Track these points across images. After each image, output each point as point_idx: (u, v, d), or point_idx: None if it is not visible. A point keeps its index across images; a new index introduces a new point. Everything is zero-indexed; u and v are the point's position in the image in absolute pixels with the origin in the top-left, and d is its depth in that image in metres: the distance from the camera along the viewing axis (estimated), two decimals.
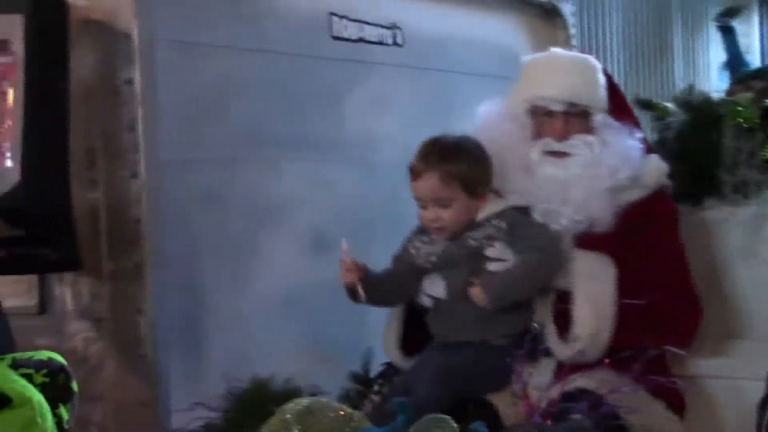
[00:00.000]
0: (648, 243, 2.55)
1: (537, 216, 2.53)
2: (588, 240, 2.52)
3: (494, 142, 2.57)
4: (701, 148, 2.81)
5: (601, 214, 2.52)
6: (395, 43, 3.76)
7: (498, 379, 2.37)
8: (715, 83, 6.08)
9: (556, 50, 2.83)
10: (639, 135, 2.67)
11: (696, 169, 2.73)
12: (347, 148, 3.54)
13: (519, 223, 2.45)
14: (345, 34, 3.53)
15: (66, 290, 2.84)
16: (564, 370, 2.23)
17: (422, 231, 2.58)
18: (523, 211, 2.51)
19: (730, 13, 6.53)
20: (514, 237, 2.43)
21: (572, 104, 2.59)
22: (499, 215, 2.46)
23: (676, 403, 2.44)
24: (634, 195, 2.58)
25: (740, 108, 2.78)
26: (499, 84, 4.26)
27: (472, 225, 2.47)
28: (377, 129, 3.67)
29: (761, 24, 7.88)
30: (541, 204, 2.52)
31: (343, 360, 2.93)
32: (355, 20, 3.57)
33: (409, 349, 2.63)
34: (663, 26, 6.30)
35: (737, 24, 6.58)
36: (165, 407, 2.78)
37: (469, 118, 4.00)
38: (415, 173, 2.47)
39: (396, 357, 2.64)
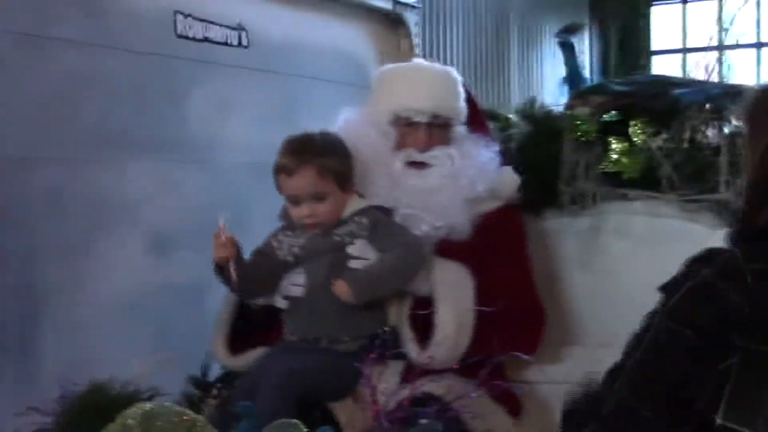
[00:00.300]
0: (498, 252, 2.60)
1: (399, 219, 2.54)
2: (446, 248, 2.56)
3: (358, 150, 2.57)
4: (542, 160, 2.88)
5: (460, 222, 2.56)
6: (240, 45, 3.74)
7: (342, 386, 2.39)
8: (549, 96, 6.27)
9: (420, 61, 2.85)
10: (495, 147, 2.72)
11: (536, 180, 2.80)
12: (192, 148, 3.50)
13: (381, 221, 2.47)
14: (190, 33, 3.49)
15: None
16: (411, 375, 2.25)
17: (286, 227, 2.57)
18: (386, 211, 2.53)
19: (570, 29, 6.77)
20: (377, 234, 2.45)
21: (435, 116, 2.62)
22: (362, 213, 2.48)
23: (514, 408, 2.51)
24: (489, 206, 2.63)
25: (579, 122, 2.87)
26: (343, 90, 4.31)
27: (336, 222, 2.48)
28: (222, 130, 3.65)
29: (592, 41, 8.20)
30: (403, 208, 2.54)
31: (184, 363, 2.88)
32: (200, 19, 3.53)
33: (236, 348, 2.60)
34: (501, 40, 6.47)
35: (576, 40, 6.83)
36: None
37: (313, 122, 4.02)
38: (288, 170, 2.43)
39: (222, 356, 2.60)
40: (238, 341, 2.61)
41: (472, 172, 2.59)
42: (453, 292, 2.45)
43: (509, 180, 2.70)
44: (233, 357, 2.58)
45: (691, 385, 1.44)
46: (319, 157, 2.44)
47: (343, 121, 2.71)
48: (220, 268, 2.47)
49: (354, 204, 2.50)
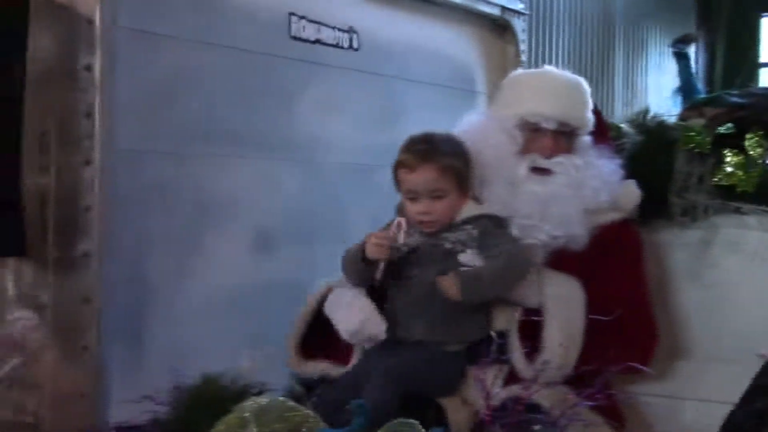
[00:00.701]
0: (614, 266, 2.59)
1: (515, 229, 2.55)
2: (561, 257, 2.56)
3: (482, 153, 2.59)
4: (653, 171, 2.85)
5: (578, 232, 2.56)
6: (351, 47, 3.77)
7: (448, 385, 2.41)
8: (654, 106, 6.18)
9: (550, 68, 2.85)
10: (618, 160, 2.72)
11: (647, 190, 2.76)
12: (296, 148, 3.54)
13: (490, 231, 2.48)
14: (303, 35, 3.53)
15: (8, 276, 2.79)
16: (516, 381, 2.25)
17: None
18: (499, 221, 2.53)
19: (686, 40, 6.68)
20: (484, 244, 2.46)
21: (563, 123, 2.63)
22: (474, 221, 2.49)
23: (618, 422, 2.48)
24: (608, 217, 2.63)
25: (693, 133, 2.84)
26: (448, 94, 4.32)
27: (448, 226, 2.49)
28: (327, 131, 3.68)
29: (698, 52, 8.06)
30: (520, 218, 2.55)
31: (283, 360, 2.92)
32: (313, 21, 3.57)
33: (309, 355, 2.63)
34: (606, 48, 6.41)
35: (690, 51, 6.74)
36: (105, 399, 2.75)
37: (417, 125, 4.03)
38: (410, 165, 2.47)
39: (294, 362, 2.64)
40: (311, 348, 2.65)
41: (595, 182, 2.60)
42: (563, 308, 2.44)
43: (632, 194, 2.70)
44: (305, 363, 2.63)
45: None
46: (442, 155, 2.47)
47: (467, 123, 2.73)
48: (366, 261, 2.49)
49: (468, 209, 2.51)
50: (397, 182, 2.53)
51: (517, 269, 2.46)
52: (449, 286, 2.39)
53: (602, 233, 2.60)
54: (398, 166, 2.50)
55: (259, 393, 2.33)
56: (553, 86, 2.70)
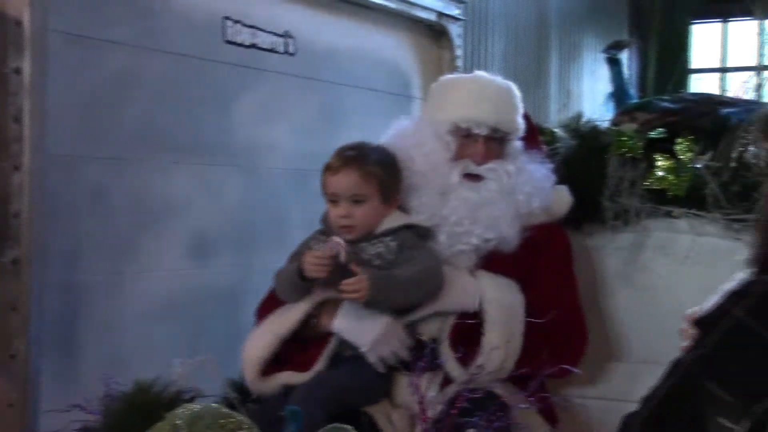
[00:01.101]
0: (544, 267, 2.61)
1: (444, 236, 2.55)
2: (495, 259, 2.57)
3: (414, 160, 2.60)
4: (586, 175, 2.88)
5: (509, 233, 2.57)
6: (287, 52, 3.76)
7: (376, 392, 2.44)
8: (588, 111, 6.25)
9: (481, 74, 2.83)
10: (549, 165, 2.74)
11: (580, 194, 2.79)
12: (234, 153, 3.52)
13: (409, 245, 2.49)
14: (238, 39, 3.51)
15: None
16: (449, 385, 2.25)
17: (321, 233, 2.59)
18: (421, 232, 2.53)
19: (619, 46, 6.76)
20: (401, 257, 2.47)
21: (495, 129, 2.62)
22: (394, 233, 2.49)
23: (554, 423, 2.51)
24: (538, 219, 2.65)
25: (625, 138, 2.87)
26: (385, 99, 4.33)
27: (368, 236, 2.49)
28: (265, 136, 3.67)
29: (631, 58, 8.17)
30: (450, 226, 2.55)
31: (221, 366, 2.90)
32: (248, 26, 3.55)
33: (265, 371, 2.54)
34: (541, 54, 6.46)
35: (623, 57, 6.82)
36: (33, 409, 2.70)
37: (354, 130, 4.05)
38: (333, 168, 2.50)
39: (255, 384, 2.53)
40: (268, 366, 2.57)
41: (527, 188, 2.61)
42: (503, 313, 2.45)
43: (563, 199, 2.73)
44: (265, 381, 2.54)
45: None
46: (367, 162, 2.49)
47: (398, 129, 2.73)
48: (302, 276, 2.46)
49: (390, 220, 2.51)
50: (322, 185, 2.54)
51: (429, 284, 2.47)
52: (360, 284, 2.36)
53: (532, 234, 2.61)
54: (324, 169, 2.53)
55: (193, 400, 2.31)
56: (484, 92, 2.69)
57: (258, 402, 2.60)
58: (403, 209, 2.58)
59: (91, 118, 2.94)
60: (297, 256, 2.60)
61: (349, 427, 1.61)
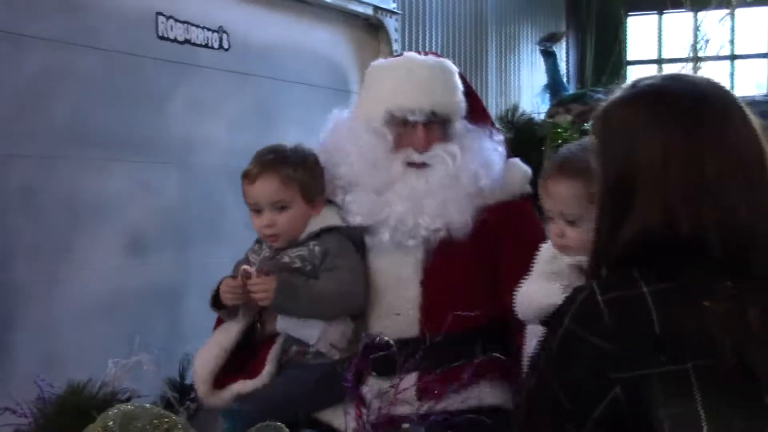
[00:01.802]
0: (513, 245, 2.45)
1: (386, 236, 2.44)
2: (448, 249, 2.45)
3: (351, 156, 2.48)
4: None
5: (458, 219, 2.43)
6: (221, 47, 3.73)
7: (325, 396, 2.35)
8: (527, 103, 6.30)
9: (411, 55, 2.68)
10: (499, 138, 2.59)
11: None
12: (169, 150, 3.49)
13: (333, 252, 2.38)
14: (171, 35, 3.47)
15: None
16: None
17: (258, 242, 2.52)
18: (346, 234, 2.43)
19: (553, 38, 6.80)
20: (324, 265, 2.38)
21: (433, 113, 2.47)
22: (319, 237, 2.40)
23: None
24: (495, 198, 2.50)
25: (560, 130, 2.89)
26: (322, 94, 4.32)
27: (294, 241, 2.41)
28: (200, 132, 3.64)
29: (568, 50, 8.23)
30: (393, 224, 2.44)
31: (160, 366, 2.87)
32: (182, 21, 3.52)
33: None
34: (479, 47, 6.49)
35: (557, 49, 6.86)
36: None
37: (291, 125, 4.03)
38: (251, 176, 2.38)
39: (208, 397, 2.41)
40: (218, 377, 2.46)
41: (473, 165, 2.45)
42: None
43: (519, 172, 2.58)
44: (218, 393, 2.41)
45: None
46: (284, 165, 2.37)
47: (332, 123, 2.61)
48: (220, 303, 2.40)
49: (314, 222, 2.41)
50: (243, 195, 2.43)
51: (342, 303, 2.37)
52: (264, 286, 2.30)
53: (489, 216, 2.46)
54: (242, 178, 2.41)
55: (128, 400, 2.28)
56: (415, 76, 2.51)
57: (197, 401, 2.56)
58: (340, 207, 2.47)
59: (19, 115, 2.89)
60: (239, 264, 2.55)
61: (280, 424, 1.60)
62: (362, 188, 2.48)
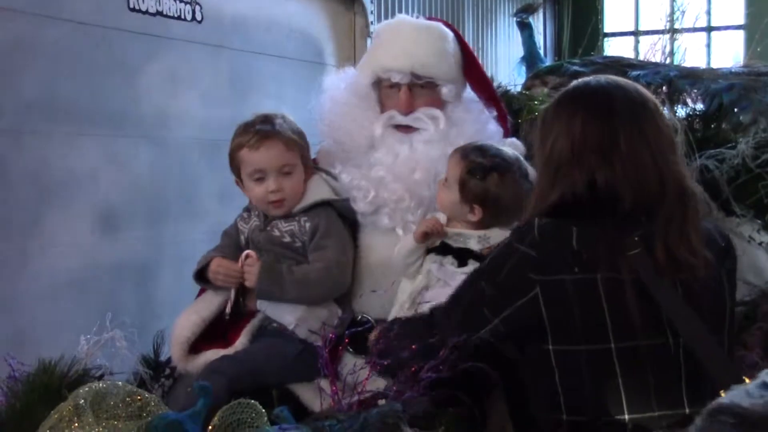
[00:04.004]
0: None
1: (386, 219, 2.44)
2: None
3: (340, 119, 2.48)
4: None
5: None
6: (194, 19, 3.67)
7: (296, 371, 2.35)
8: (503, 75, 6.27)
9: (403, 17, 2.65)
10: (493, 113, 2.56)
11: None
12: (141, 123, 3.44)
13: (322, 230, 2.40)
14: (142, 7, 3.41)
15: None
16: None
17: (246, 210, 2.52)
18: (338, 209, 2.43)
19: (529, 9, 6.75)
20: (312, 244, 2.39)
21: (416, 75, 2.46)
22: (310, 211, 2.42)
23: None
24: None
25: (537, 102, 2.86)
26: (296, 66, 4.27)
27: (297, 203, 2.42)
28: (172, 105, 3.59)
29: (545, 21, 8.20)
30: (390, 203, 2.43)
31: (132, 342, 2.83)
32: None
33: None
34: (456, 19, 6.44)
35: (533, 20, 6.83)
36: None
37: (265, 98, 3.99)
38: (252, 145, 2.38)
39: (182, 363, 2.42)
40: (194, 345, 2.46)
41: (461, 141, 2.40)
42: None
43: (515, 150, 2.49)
44: (192, 359, 2.42)
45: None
46: (283, 131, 2.40)
47: (326, 87, 2.59)
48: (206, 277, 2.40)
49: (310, 194, 2.43)
50: (237, 167, 2.42)
51: (326, 286, 2.37)
52: (249, 269, 2.33)
53: None
54: (238, 148, 2.40)
55: (101, 377, 2.24)
56: (401, 37, 2.52)
57: (172, 378, 2.54)
58: (332, 176, 2.49)
59: None
60: (227, 233, 2.53)
61: (254, 402, 1.57)
62: (352, 155, 2.48)
